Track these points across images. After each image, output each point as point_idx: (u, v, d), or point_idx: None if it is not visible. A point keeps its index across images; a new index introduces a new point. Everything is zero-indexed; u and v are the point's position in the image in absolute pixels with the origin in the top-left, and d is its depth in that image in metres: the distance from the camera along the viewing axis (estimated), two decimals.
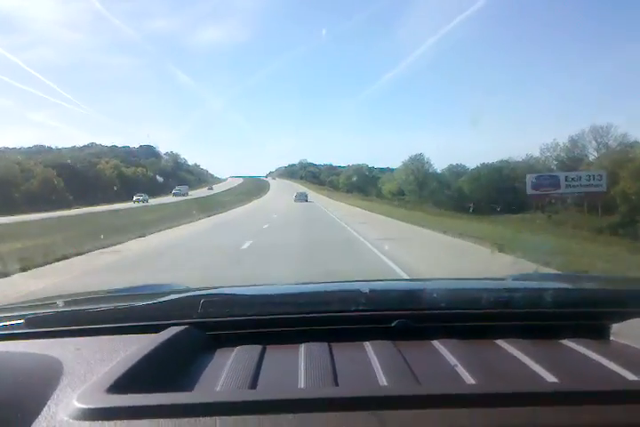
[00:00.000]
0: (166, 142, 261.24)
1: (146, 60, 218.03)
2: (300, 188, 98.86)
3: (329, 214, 35.68)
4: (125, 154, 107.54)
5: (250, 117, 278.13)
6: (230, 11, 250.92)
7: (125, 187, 77.08)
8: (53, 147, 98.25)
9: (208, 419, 0.74)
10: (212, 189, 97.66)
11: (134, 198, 60.37)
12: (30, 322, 1.29)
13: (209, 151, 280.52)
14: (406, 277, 9.14)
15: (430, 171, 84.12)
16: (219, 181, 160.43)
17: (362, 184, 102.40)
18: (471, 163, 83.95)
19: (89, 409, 0.78)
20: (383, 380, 0.95)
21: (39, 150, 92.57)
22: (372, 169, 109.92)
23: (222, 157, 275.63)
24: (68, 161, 69.51)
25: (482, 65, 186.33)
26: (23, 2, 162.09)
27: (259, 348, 1.14)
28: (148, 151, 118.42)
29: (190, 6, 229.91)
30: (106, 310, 1.43)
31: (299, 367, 1.03)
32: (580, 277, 3.07)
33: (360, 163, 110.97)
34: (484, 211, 47.84)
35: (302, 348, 1.13)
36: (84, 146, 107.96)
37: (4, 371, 0.96)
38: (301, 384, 0.95)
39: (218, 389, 0.94)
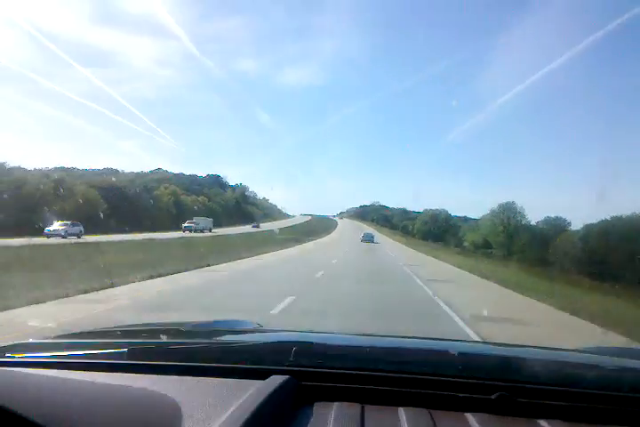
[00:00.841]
0: (240, 177, 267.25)
1: (229, 98, 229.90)
2: (370, 230, 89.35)
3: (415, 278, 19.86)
4: (189, 182, 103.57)
5: (325, 157, 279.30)
6: (314, 54, 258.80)
7: (181, 214, 71.54)
8: (121, 170, 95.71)
9: None
10: (257, 226, 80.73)
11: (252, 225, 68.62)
12: (134, 354, 1.35)
13: (281, 188, 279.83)
14: None
15: (523, 222, 71.97)
16: (286, 217, 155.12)
17: (439, 232, 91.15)
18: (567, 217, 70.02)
19: None
20: None
21: (106, 173, 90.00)
22: (450, 217, 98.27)
23: (294, 194, 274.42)
24: (113, 179, 63.55)
25: (574, 114, 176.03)
26: (123, 40, 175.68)
27: (357, 406, 1.14)
28: (214, 181, 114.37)
29: (275, 49, 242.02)
30: (206, 348, 1.50)
31: None
32: None
33: (438, 208, 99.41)
34: (607, 277, 35.72)
35: (402, 412, 1.13)
36: (151, 171, 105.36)
37: (130, 407, 0.98)
38: None
39: None
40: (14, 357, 1.37)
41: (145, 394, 1.06)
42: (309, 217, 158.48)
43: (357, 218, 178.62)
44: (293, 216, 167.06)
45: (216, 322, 2.22)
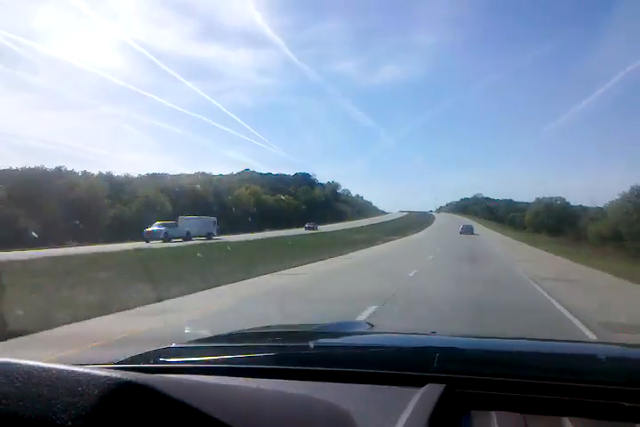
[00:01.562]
0: (337, 177, 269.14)
1: (326, 100, 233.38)
2: (469, 222, 78.66)
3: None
4: (276, 181, 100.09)
5: (423, 153, 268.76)
6: (407, 49, 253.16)
7: (263, 215, 67.73)
8: (208, 173, 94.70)
9: None
10: (313, 228, 61.97)
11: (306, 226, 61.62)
12: (282, 358, 1.40)
13: (379, 186, 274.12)
14: None
15: None
16: (381, 214, 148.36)
17: (554, 223, 78.75)
18: None
19: None
20: None
21: (195, 176, 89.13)
22: (568, 206, 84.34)
23: (393, 192, 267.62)
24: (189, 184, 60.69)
25: None
26: (222, 52, 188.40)
27: (518, 416, 1.10)
28: (303, 180, 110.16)
29: (370, 47, 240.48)
30: (350, 353, 1.55)
31: None
32: None
33: (553, 196, 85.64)
34: None
35: (567, 422, 1.08)
36: (238, 173, 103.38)
37: (299, 414, 0.96)
38: None
39: None
40: (167, 361, 1.41)
41: (312, 401, 1.05)
42: (406, 213, 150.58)
43: (458, 212, 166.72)
44: (389, 213, 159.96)
45: (338, 324, 2.28)
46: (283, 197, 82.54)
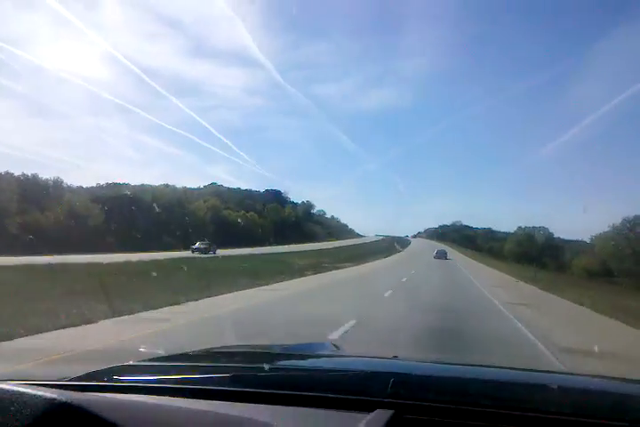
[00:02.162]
0: (319, 200, 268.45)
1: (310, 122, 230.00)
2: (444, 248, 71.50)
3: None
4: (244, 197, 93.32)
5: (405, 179, 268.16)
6: (394, 75, 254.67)
7: (222, 231, 60.91)
8: (171, 185, 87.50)
9: None
10: (205, 250, 39.54)
11: (193, 247, 39.62)
12: (236, 380, 1.38)
13: (359, 210, 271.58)
14: None
15: None
16: (356, 237, 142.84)
17: (536, 254, 73.65)
18: None
19: None
20: None
21: (155, 188, 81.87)
22: (551, 236, 79.33)
23: (372, 216, 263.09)
24: (128, 193, 53.04)
25: None
26: (212, 71, 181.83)
27: None
28: (274, 197, 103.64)
29: (355, 73, 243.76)
30: (306, 376, 1.54)
31: None
32: None
33: (536, 226, 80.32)
34: None
35: None
36: (205, 186, 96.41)
37: None
38: None
39: None
40: (119, 380, 1.41)
41: (249, 423, 1.06)
42: (382, 237, 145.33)
43: (436, 238, 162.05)
44: (365, 236, 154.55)
45: (301, 345, 2.33)
46: (247, 214, 75.68)
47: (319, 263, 32.04)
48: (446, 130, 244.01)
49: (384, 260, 48.13)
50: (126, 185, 70.39)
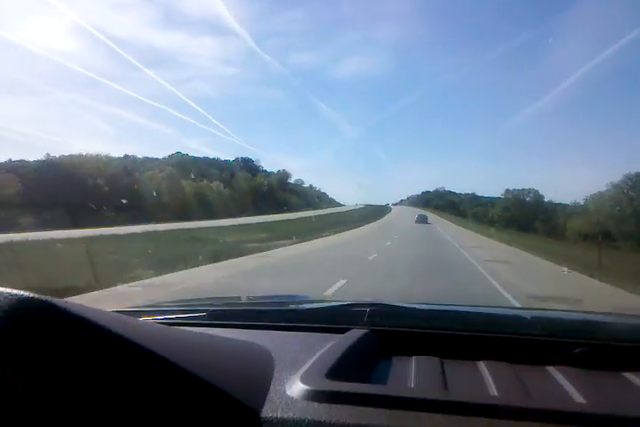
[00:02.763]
0: (300, 170, 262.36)
1: (289, 92, 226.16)
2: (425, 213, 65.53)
3: None
4: (209, 166, 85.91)
5: (386, 147, 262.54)
6: (371, 43, 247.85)
7: (181, 204, 54.44)
8: (131, 155, 79.74)
9: (415, 413, 0.79)
10: None
11: None
12: (212, 315, 1.45)
13: (341, 179, 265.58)
14: None
15: None
16: (337, 206, 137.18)
17: (526, 218, 68.54)
18: None
19: (314, 391, 0.86)
20: (580, 399, 0.98)
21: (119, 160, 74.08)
22: (541, 199, 73.68)
23: (355, 185, 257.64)
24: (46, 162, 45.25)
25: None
26: (186, 41, 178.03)
27: (437, 360, 1.18)
28: (245, 166, 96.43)
29: (332, 40, 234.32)
30: (285, 310, 1.63)
31: (485, 379, 1.07)
32: None
33: (526, 188, 74.17)
34: None
35: (482, 365, 1.17)
36: (168, 156, 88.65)
37: (226, 350, 1.01)
38: (493, 393, 0.99)
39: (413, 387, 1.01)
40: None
41: (240, 342, 1.12)
42: (362, 206, 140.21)
43: (419, 205, 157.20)
44: (345, 205, 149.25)
45: (282, 296, 2.32)
46: (212, 184, 68.78)
47: (263, 239, 25.31)
48: (426, 97, 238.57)
49: (354, 230, 41.42)
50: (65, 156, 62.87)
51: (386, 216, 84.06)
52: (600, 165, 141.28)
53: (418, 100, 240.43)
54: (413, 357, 1.18)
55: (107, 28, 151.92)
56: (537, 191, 72.06)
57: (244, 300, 2.15)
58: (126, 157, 79.74)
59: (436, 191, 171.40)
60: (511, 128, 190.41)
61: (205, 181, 68.43)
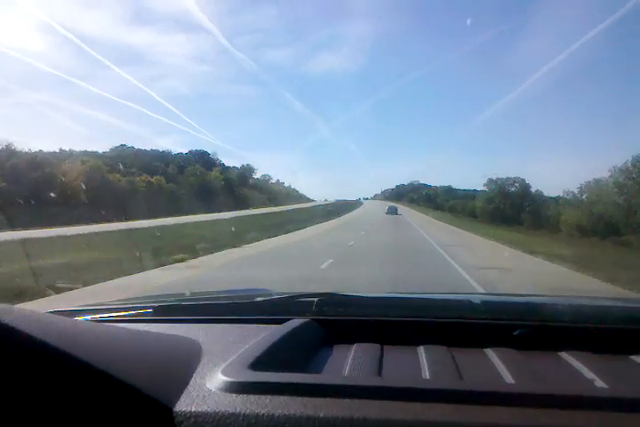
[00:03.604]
0: (273, 167, 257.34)
1: (261, 88, 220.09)
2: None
3: None
4: (154, 159, 75.55)
5: (359, 142, 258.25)
6: (344, 39, 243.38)
7: (111, 200, 44.91)
8: (68, 150, 69.37)
9: (345, 401, 0.77)
10: None
11: None
12: (158, 310, 1.44)
13: (315, 175, 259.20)
14: None
15: None
16: (306, 201, 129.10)
17: (511, 211, 60.93)
18: None
19: (234, 382, 0.84)
20: (511, 380, 0.98)
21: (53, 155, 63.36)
22: (528, 188, 65.62)
23: (328, 181, 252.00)
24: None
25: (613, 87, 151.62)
26: (157, 39, 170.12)
27: (377, 346, 1.19)
28: (200, 159, 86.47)
29: (305, 37, 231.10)
30: (228, 304, 1.55)
31: (421, 363, 1.08)
32: None
33: (512, 176, 65.69)
34: None
35: (421, 349, 1.18)
36: (110, 149, 78.14)
37: (150, 345, 0.99)
38: (426, 376, 1.00)
39: (346, 374, 1.00)
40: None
41: (168, 336, 1.11)
42: (333, 201, 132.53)
43: (393, 199, 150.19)
44: (315, 201, 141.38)
45: (238, 290, 2.21)
46: (152, 179, 58.96)
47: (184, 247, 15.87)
48: (399, 91, 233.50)
49: (304, 230, 32.06)
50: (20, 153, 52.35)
51: (353, 211, 75.30)
52: (582, 155, 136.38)
53: (391, 94, 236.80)
54: (354, 344, 1.18)
55: (75, 27, 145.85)
56: (523, 180, 64.10)
57: (188, 295, 2.07)
58: (62, 151, 69.55)
59: (411, 185, 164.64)
60: (485, 120, 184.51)
61: (144, 176, 58.59)
